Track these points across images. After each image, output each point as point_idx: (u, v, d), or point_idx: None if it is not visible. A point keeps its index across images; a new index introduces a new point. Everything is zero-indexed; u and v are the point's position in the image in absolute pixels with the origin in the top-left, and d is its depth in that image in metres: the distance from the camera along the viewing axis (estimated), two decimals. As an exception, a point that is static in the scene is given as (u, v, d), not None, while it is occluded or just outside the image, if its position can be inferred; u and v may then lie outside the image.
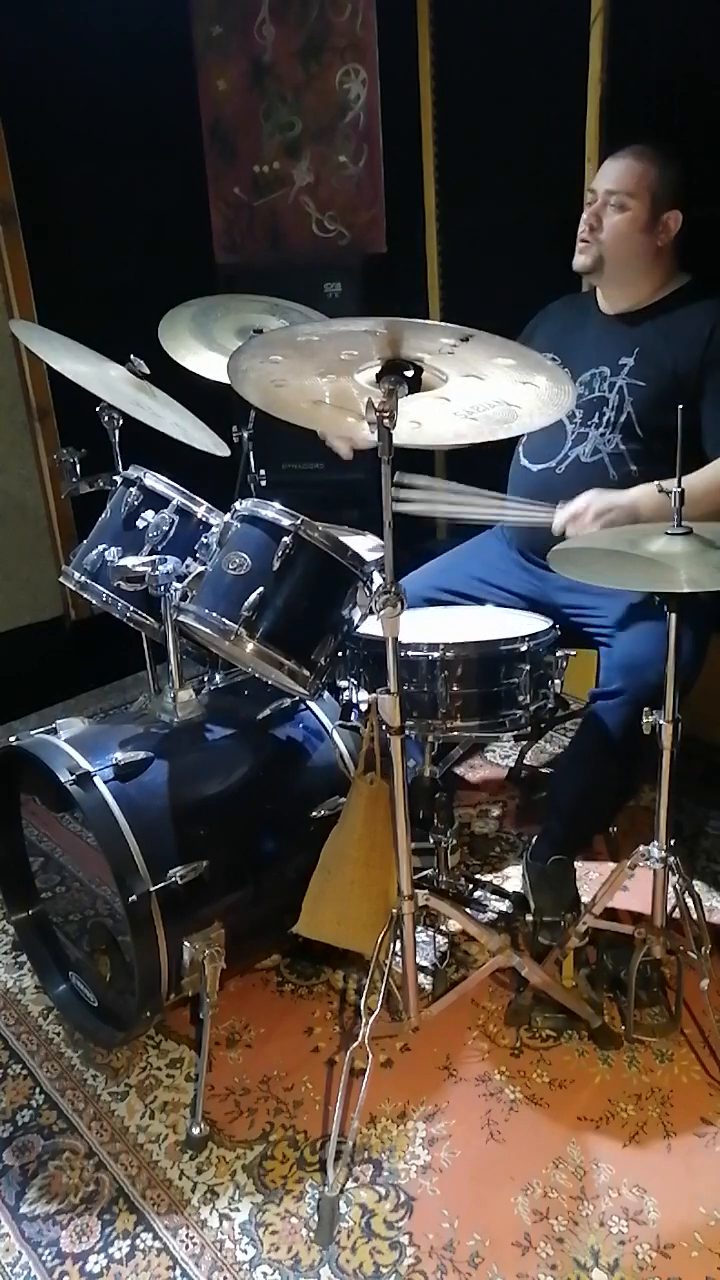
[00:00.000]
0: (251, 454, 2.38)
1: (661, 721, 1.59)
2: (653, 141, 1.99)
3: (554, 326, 2.17)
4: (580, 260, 2.00)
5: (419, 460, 2.26)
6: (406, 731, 1.54)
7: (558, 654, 1.73)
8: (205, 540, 1.75)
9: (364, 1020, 1.59)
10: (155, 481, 1.87)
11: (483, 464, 2.25)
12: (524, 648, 1.67)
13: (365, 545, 2.06)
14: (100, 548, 1.86)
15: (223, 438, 2.16)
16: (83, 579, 1.88)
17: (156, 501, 1.85)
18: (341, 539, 1.65)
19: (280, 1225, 1.47)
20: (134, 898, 1.54)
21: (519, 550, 2.12)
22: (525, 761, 2.67)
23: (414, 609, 2.05)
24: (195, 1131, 1.60)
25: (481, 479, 2.10)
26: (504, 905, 2.12)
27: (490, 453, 2.23)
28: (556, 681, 1.74)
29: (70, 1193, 1.55)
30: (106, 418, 2.10)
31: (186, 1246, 1.45)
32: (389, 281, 3.25)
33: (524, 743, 2.67)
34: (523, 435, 2.15)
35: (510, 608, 2.02)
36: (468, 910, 1.97)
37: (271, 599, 1.61)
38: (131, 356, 2.06)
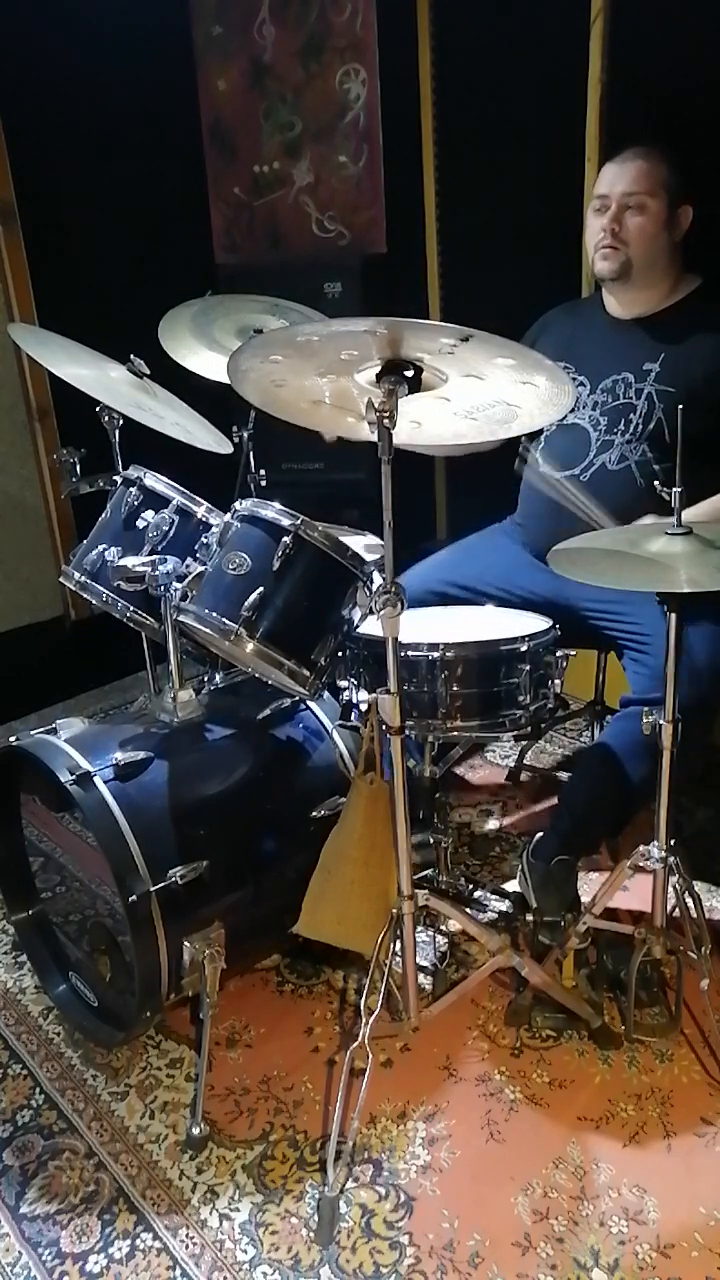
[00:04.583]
0: (251, 454, 2.38)
1: (662, 722, 1.59)
2: (651, 140, 2.00)
3: (560, 335, 2.16)
4: (608, 267, 1.99)
5: (417, 463, 2.27)
6: (406, 731, 1.54)
7: (558, 654, 1.73)
8: (205, 540, 1.75)
9: (364, 1020, 1.59)
10: (155, 481, 1.87)
11: (483, 468, 2.25)
12: (524, 648, 1.67)
13: (365, 545, 2.06)
14: (100, 548, 1.87)
15: (224, 436, 2.17)
16: (83, 579, 1.88)
17: (156, 501, 1.85)
18: (341, 539, 1.65)
19: (280, 1225, 1.47)
20: (134, 898, 1.54)
21: (532, 552, 2.11)
22: (525, 761, 2.67)
23: (421, 602, 2.05)
24: (195, 1131, 1.60)
25: (481, 483, 2.10)
26: (504, 905, 2.12)
27: (491, 455, 2.24)
28: (556, 681, 1.74)
29: (70, 1193, 1.55)
30: (106, 418, 2.10)
31: (186, 1246, 1.45)
32: (389, 281, 3.24)
33: (524, 743, 2.68)
34: (539, 443, 2.16)
35: (521, 608, 2.01)
36: (468, 910, 1.97)
37: (271, 599, 1.61)
38: (132, 357, 2.06)
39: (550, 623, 1.78)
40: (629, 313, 2.06)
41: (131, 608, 1.85)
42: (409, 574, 2.16)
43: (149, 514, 1.84)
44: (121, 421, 2.09)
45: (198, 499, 1.85)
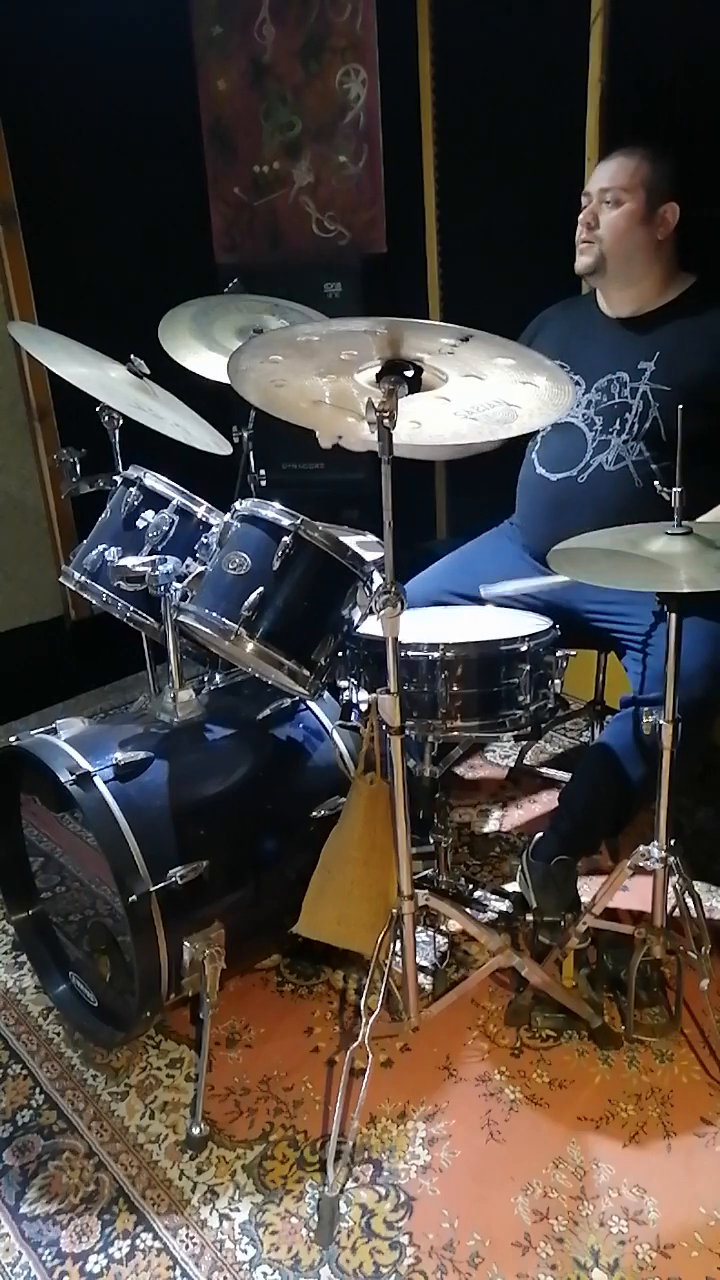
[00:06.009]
0: (251, 454, 2.38)
1: (661, 722, 1.59)
2: (646, 140, 2.00)
3: (556, 333, 2.16)
4: (583, 261, 2.01)
5: (417, 462, 2.28)
6: (406, 731, 1.54)
7: (558, 654, 1.73)
8: (205, 540, 1.75)
9: (364, 1020, 1.60)
10: (155, 481, 1.87)
11: (483, 469, 2.25)
12: (524, 648, 1.67)
13: (365, 545, 2.06)
14: (100, 548, 1.87)
15: (223, 437, 2.17)
16: (83, 579, 1.88)
17: (156, 501, 1.85)
18: (341, 539, 1.65)
19: (280, 1225, 1.47)
20: (134, 898, 1.54)
21: (533, 556, 2.10)
22: (525, 761, 2.67)
23: (421, 609, 2.04)
24: (195, 1131, 1.60)
25: (481, 483, 2.10)
26: (504, 905, 2.12)
27: (491, 457, 2.24)
28: (556, 681, 1.74)
29: (70, 1193, 1.55)
30: (106, 418, 2.10)
31: (186, 1246, 1.45)
32: (389, 281, 3.24)
33: (524, 743, 2.67)
34: (535, 444, 2.15)
35: (523, 610, 2.01)
36: (468, 910, 1.97)
37: (271, 599, 1.61)
38: (132, 356, 2.06)
39: (550, 623, 1.78)
40: (621, 311, 2.06)
41: (131, 608, 1.85)
42: (408, 586, 2.15)
43: (149, 514, 1.84)
44: (121, 421, 2.09)
45: (198, 499, 1.85)
